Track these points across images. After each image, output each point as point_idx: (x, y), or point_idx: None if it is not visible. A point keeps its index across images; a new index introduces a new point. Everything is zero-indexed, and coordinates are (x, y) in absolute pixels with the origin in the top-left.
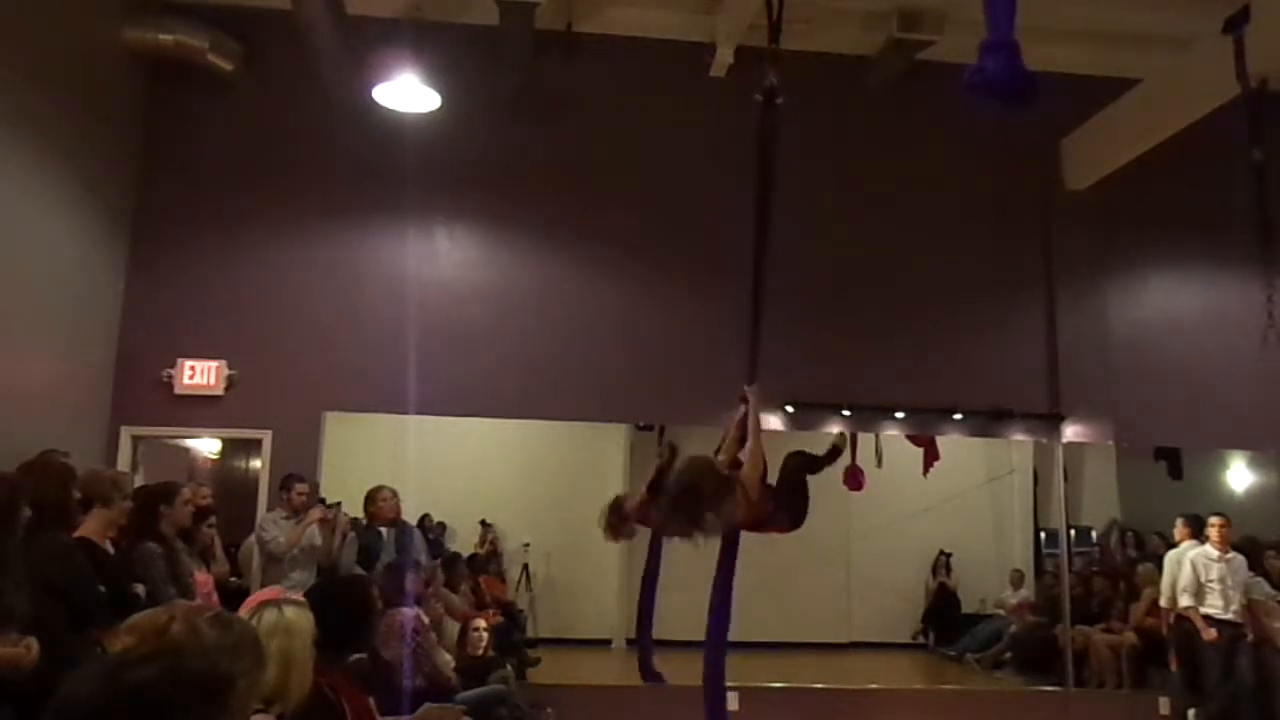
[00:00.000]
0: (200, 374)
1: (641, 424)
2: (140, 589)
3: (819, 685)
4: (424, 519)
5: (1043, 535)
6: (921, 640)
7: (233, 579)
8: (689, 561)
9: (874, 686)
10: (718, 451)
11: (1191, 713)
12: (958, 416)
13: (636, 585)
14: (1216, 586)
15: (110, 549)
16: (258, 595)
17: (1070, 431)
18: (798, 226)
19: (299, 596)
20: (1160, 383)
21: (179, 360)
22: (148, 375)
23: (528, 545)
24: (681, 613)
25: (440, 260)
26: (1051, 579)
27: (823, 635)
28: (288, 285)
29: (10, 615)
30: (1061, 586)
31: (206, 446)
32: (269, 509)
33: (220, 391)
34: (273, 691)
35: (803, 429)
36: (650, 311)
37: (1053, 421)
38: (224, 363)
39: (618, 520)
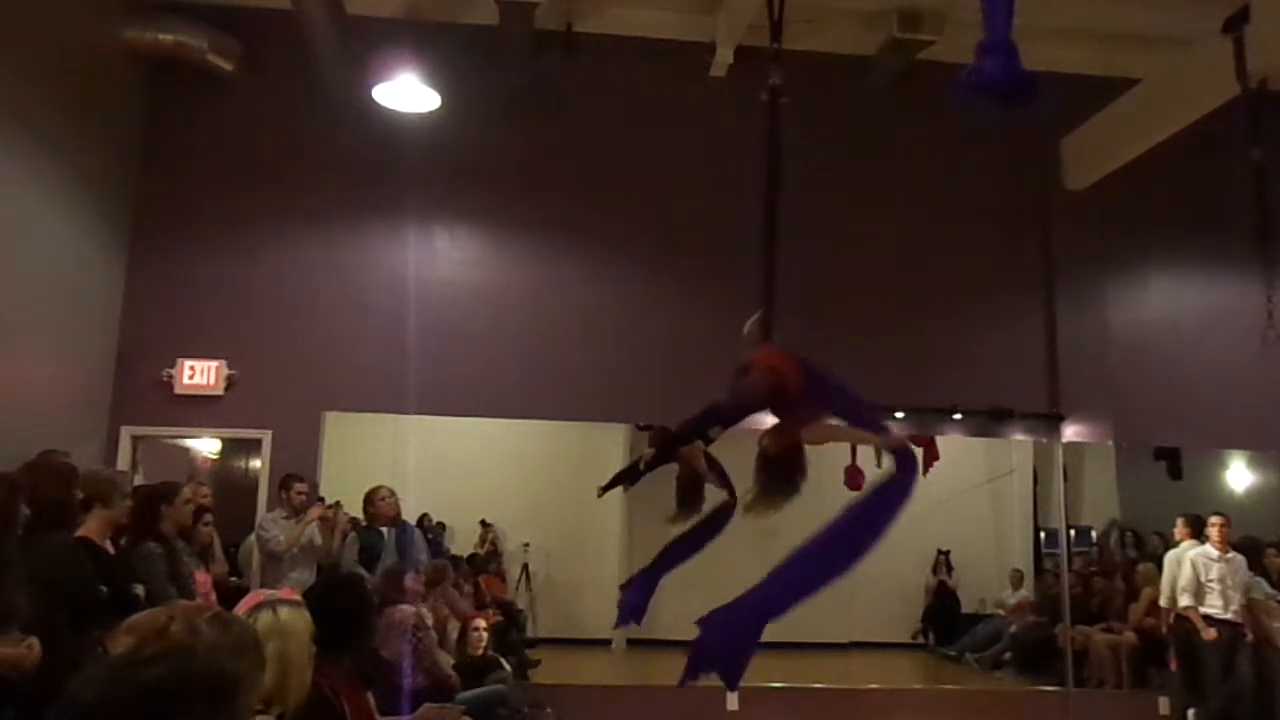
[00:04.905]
0: (200, 374)
1: (641, 424)
2: (140, 589)
3: (819, 685)
4: (423, 519)
5: (1042, 535)
6: (921, 640)
7: (232, 579)
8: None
9: (874, 686)
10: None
11: (1191, 712)
12: (958, 416)
13: None
14: (1216, 586)
15: (110, 549)
16: (249, 598)
17: (1070, 431)
18: (796, 226)
19: (293, 595)
20: (1160, 383)
21: (179, 360)
22: (148, 375)
23: (528, 545)
24: (682, 613)
25: (440, 260)
26: (1051, 579)
27: (823, 635)
28: (288, 285)
29: (11, 615)
30: (1061, 586)
31: (206, 446)
32: (269, 509)
33: (220, 391)
34: (272, 693)
35: None
36: (650, 311)
37: (1053, 421)
38: (224, 363)
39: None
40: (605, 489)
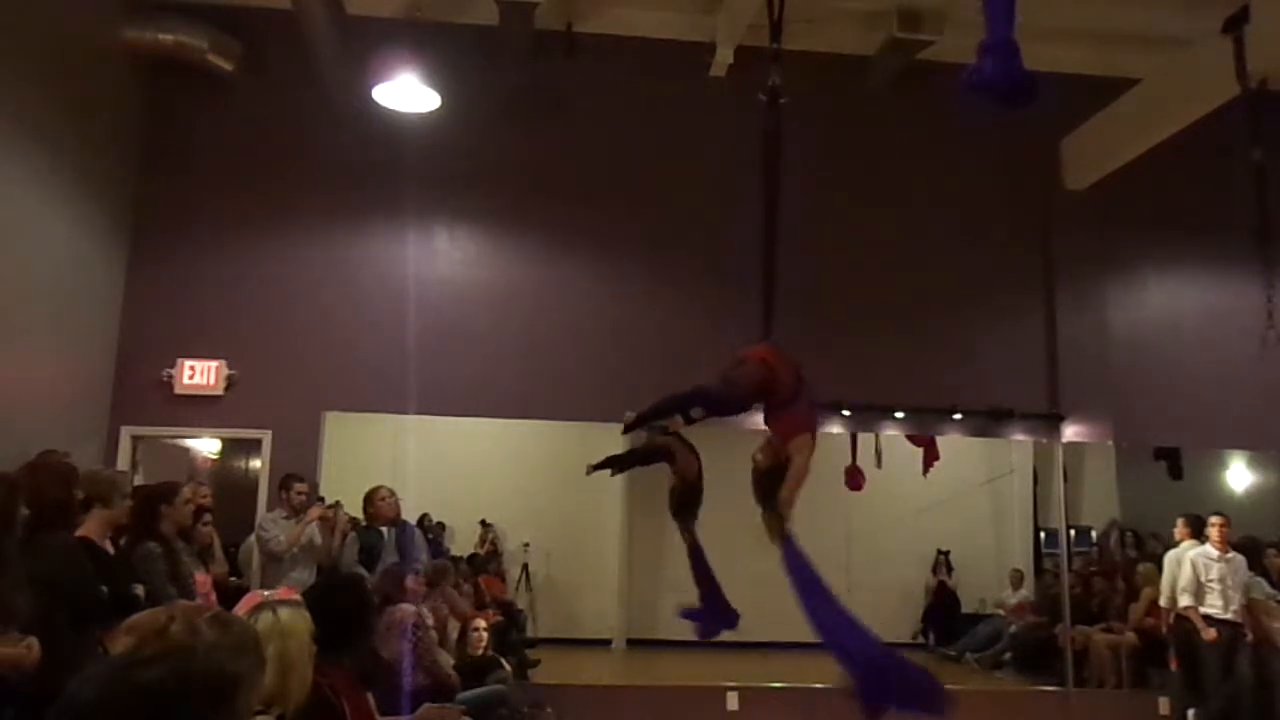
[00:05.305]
0: (200, 374)
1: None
2: (140, 589)
3: (819, 685)
4: (423, 519)
5: (1042, 535)
6: (921, 640)
7: (232, 579)
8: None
9: None
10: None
11: (1191, 713)
12: (958, 416)
13: (637, 585)
14: (1216, 586)
15: (110, 549)
16: (249, 599)
17: (1070, 431)
18: (796, 226)
19: (293, 595)
20: (1160, 383)
21: (179, 360)
22: (148, 375)
23: (528, 545)
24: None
25: (440, 260)
26: (1051, 579)
27: None
28: (288, 285)
29: (11, 615)
30: (1061, 586)
31: (206, 446)
32: (269, 509)
33: (220, 391)
34: (272, 694)
35: None
36: (650, 311)
37: (1053, 421)
38: (224, 363)
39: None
40: (595, 467)
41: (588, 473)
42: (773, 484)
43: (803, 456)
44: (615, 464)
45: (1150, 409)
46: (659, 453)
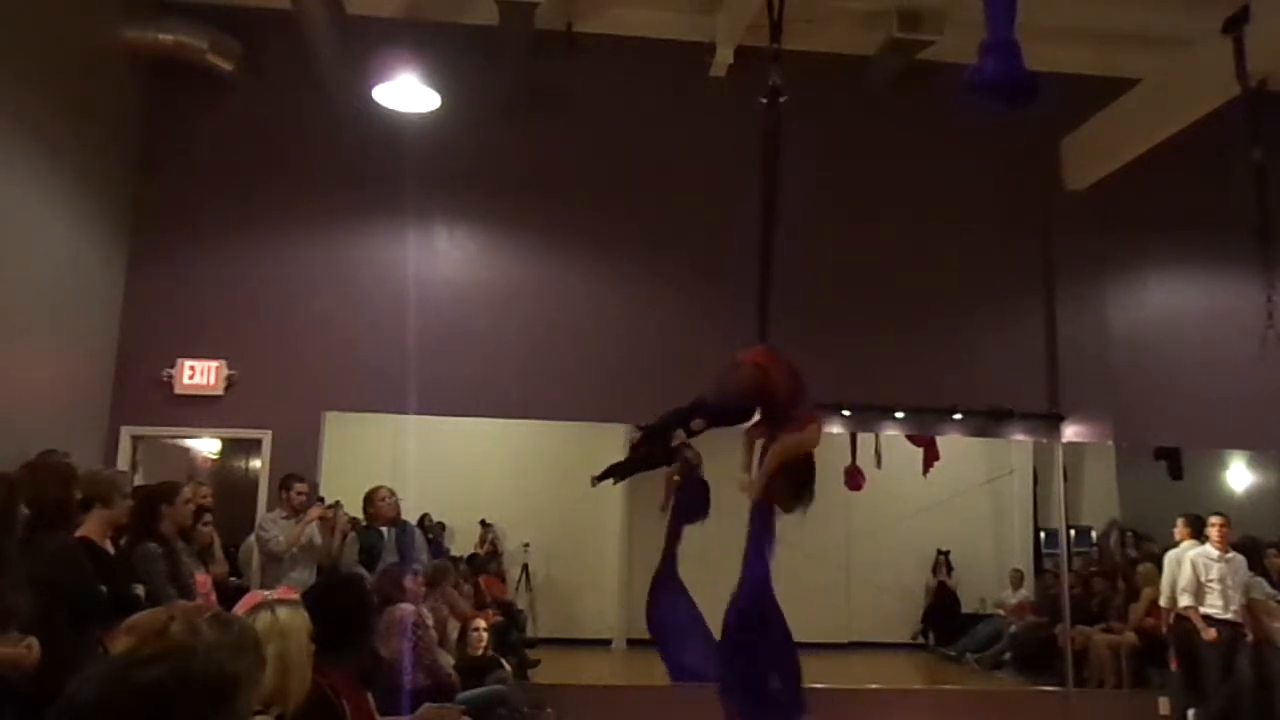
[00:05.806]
0: (200, 374)
1: (641, 424)
2: (140, 589)
3: (819, 685)
4: (423, 519)
5: (1042, 535)
6: (921, 640)
7: (232, 579)
8: (686, 561)
9: (874, 686)
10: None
11: (1191, 712)
12: (958, 416)
13: (637, 585)
14: (1216, 586)
15: (110, 549)
16: (248, 599)
17: (1070, 431)
18: (796, 226)
19: (290, 595)
20: (1160, 383)
21: (179, 360)
22: (148, 375)
23: (528, 545)
24: None
25: (440, 260)
26: (1051, 579)
27: (823, 635)
28: (288, 285)
29: (11, 615)
30: (1061, 586)
31: (206, 446)
32: (269, 509)
33: (220, 391)
34: (272, 694)
35: None
36: (650, 311)
37: (1053, 421)
38: (224, 363)
39: None
40: (599, 478)
41: (592, 484)
42: (793, 478)
43: (809, 434)
44: (617, 472)
45: (1150, 409)
46: (659, 457)
